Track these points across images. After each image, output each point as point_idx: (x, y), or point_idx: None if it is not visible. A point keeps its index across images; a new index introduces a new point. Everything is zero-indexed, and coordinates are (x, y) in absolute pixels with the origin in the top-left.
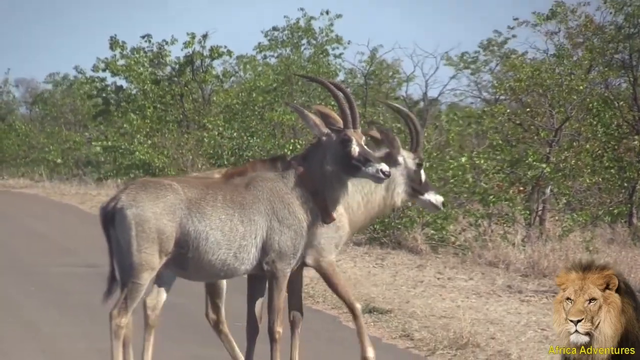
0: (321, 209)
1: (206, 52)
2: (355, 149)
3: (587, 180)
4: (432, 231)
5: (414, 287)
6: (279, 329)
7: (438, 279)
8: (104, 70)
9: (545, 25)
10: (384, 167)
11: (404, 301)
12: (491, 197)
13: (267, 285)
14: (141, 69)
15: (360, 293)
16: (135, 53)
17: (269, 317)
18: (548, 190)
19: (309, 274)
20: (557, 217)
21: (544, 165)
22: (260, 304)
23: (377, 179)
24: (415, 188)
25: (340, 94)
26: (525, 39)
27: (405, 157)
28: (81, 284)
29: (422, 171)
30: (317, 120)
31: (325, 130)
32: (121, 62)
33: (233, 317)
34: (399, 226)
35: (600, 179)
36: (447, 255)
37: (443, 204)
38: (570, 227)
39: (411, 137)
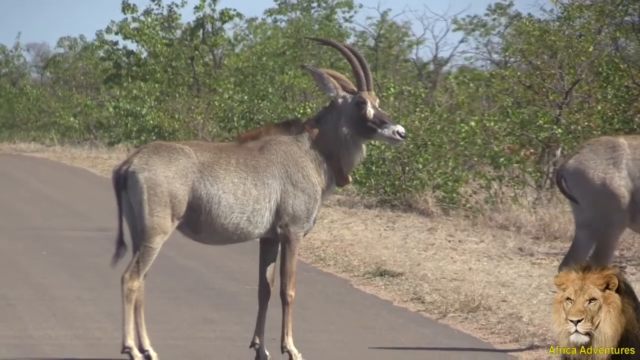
0: (335, 172)
1: (217, 16)
2: (370, 111)
3: None
4: (443, 193)
5: (425, 249)
6: (291, 292)
7: (449, 241)
8: (116, 34)
9: None
10: (400, 128)
11: (415, 264)
12: (502, 159)
13: (279, 248)
14: (152, 32)
15: (372, 256)
16: (146, 16)
17: (281, 281)
18: (559, 152)
19: (319, 237)
20: None
21: (555, 127)
22: (272, 268)
23: (393, 140)
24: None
25: (354, 57)
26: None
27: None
28: (92, 247)
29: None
30: (336, 82)
31: (342, 92)
32: (133, 25)
33: (244, 280)
34: (410, 189)
35: None
36: (458, 218)
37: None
38: None
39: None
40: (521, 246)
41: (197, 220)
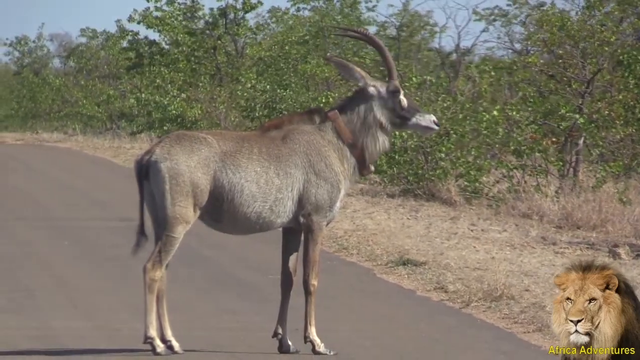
0: (359, 161)
1: (239, 5)
2: (404, 100)
3: (620, 132)
4: (465, 182)
5: (448, 239)
6: (314, 281)
7: (472, 230)
8: (138, 23)
9: None
10: (434, 117)
11: (438, 253)
12: (524, 148)
13: (301, 238)
14: (175, 22)
15: (394, 245)
16: (169, 5)
17: (304, 270)
18: (581, 142)
19: (342, 226)
20: (590, 168)
21: (577, 116)
22: (294, 257)
23: (427, 129)
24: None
25: (383, 46)
26: None
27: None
28: (114, 237)
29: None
30: (363, 72)
31: (372, 81)
32: (156, 13)
33: (266, 270)
34: (433, 178)
35: (633, 130)
36: (480, 207)
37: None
38: (604, 178)
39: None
40: (544, 235)
41: (220, 209)
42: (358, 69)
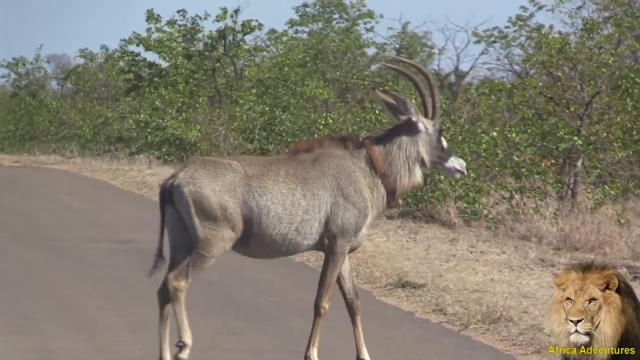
0: (388, 192)
1: (238, 27)
2: (444, 141)
3: (618, 153)
4: (464, 204)
5: (447, 261)
6: (325, 304)
7: (471, 252)
8: (137, 45)
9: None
10: (463, 162)
11: (437, 275)
12: (523, 170)
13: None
14: (174, 44)
15: (394, 267)
16: (170, 27)
17: (317, 291)
18: (579, 164)
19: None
20: (588, 190)
21: (575, 138)
22: (350, 281)
23: (455, 172)
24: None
25: (434, 83)
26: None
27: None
28: (113, 259)
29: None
30: (414, 105)
31: (421, 117)
32: (155, 35)
33: (269, 292)
34: (432, 200)
35: (630, 152)
36: (479, 229)
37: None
38: (602, 200)
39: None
40: (542, 257)
41: (249, 233)
42: (413, 103)
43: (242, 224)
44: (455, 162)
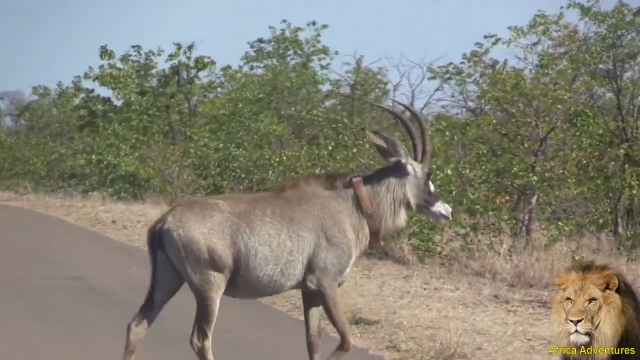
0: (372, 233)
1: (192, 63)
2: (432, 185)
3: (573, 190)
4: (418, 241)
5: (401, 297)
6: (349, 338)
7: (425, 289)
8: (93, 80)
9: (524, 39)
10: (449, 208)
11: (390, 312)
12: (478, 207)
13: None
14: (128, 80)
15: (347, 304)
16: (124, 63)
17: (338, 331)
18: (534, 200)
19: None
20: (543, 227)
21: (530, 175)
22: (317, 319)
23: (440, 217)
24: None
25: (426, 128)
26: (507, 47)
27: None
28: (66, 296)
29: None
30: (404, 147)
31: (411, 160)
32: (108, 70)
33: (222, 329)
34: (386, 237)
35: (585, 189)
36: (433, 266)
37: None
38: (556, 237)
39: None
40: (496, 293)
41: (237, 274)
42: (403, 145)
43: (232, 265)
44: (441, 207)
